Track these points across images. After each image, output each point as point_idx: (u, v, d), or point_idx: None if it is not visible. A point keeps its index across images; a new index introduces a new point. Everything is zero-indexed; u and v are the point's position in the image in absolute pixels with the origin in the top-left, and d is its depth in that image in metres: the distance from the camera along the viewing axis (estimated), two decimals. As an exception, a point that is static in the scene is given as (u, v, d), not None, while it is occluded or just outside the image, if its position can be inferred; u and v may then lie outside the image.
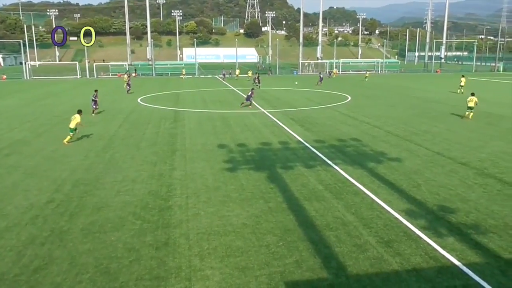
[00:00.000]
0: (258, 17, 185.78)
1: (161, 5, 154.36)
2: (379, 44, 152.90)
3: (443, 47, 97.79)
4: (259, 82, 46.52)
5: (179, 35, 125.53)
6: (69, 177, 14.12)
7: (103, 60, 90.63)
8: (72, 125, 19.24)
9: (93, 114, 27.24)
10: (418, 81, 57.88)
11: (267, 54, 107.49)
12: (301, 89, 45.28)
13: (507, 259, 8.68)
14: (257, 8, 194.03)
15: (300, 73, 75.70)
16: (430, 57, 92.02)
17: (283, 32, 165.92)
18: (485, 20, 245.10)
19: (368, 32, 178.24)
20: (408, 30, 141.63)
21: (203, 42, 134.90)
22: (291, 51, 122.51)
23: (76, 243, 9.41)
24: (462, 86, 41.17)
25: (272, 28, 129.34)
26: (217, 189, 12.93)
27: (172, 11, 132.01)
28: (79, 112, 19.90)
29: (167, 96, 38.50)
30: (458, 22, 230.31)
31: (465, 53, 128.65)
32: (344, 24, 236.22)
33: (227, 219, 10.64)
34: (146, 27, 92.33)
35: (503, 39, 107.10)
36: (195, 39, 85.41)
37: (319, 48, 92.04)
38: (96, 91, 28.96)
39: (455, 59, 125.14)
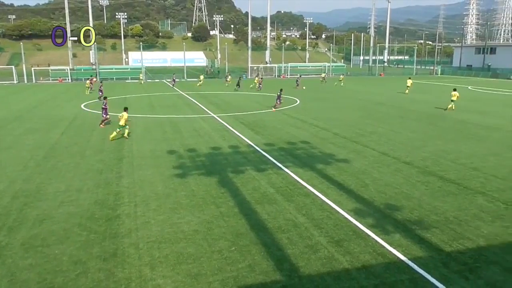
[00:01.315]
0: (206, 20, 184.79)
1: (104, 7, 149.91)
2: (326, 49, 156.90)
3: (386, 51, 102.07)
4: (260, 84, 49.22)
5: (124, 38, 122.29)
6: (7, 189, 13.30)
7: (48, 64, 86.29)
8: (122, 122, 20.58)
9: (101, 125, 24.46)
10: (364, 84, 59.92)
11: (216, 58, 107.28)
12: (251, 93, 45.52)
13: (448, 252, 9.12)
14: (204, 11, 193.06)
15: (249, 77, 76.10)
16: (374, 61, 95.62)
17: (231, 36, 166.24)
18: (424, 26, 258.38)
19: (315, 37, 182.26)
20: (353, 34, 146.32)
21: (150, 46, 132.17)
22: (240, 55, 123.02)
23: (16, 258, 8.86)
24: (408, 87, 44.69)
25: (220, 32, 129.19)
26: (167, 196, 12.67)
27: (117, 13, 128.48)
28: (126, 109, 21.17)
29: (113, 102, 37.29)
30: (399, 28, 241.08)
31: (406, 57, 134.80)
32: (291, 28, 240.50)
33: (178, 226, 10.44)
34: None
35: (440, 44, 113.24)
36: (141, 43, 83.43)
37: (267, 52, 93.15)
38: (105, 98, 25.91)
39: (394, 62, 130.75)
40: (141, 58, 74.17)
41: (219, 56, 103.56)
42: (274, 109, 31.61)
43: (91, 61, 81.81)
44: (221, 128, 24.26)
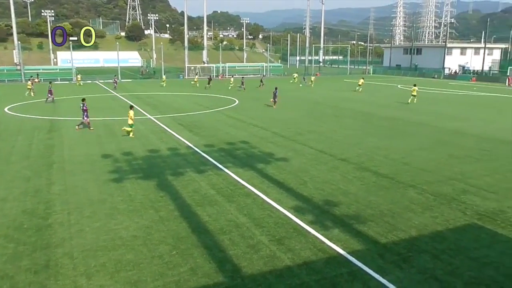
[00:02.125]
0: (140, 19, 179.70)
1: (28, 3, 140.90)
2: (263, 50, 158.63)
3: (321, 51, 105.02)
4: (243, 84, 49.40)
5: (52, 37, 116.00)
6: None
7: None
8: (130, 121, 21.44)
9: (77, 127, 23.49)
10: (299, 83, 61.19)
11: (151, 58, 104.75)
12: (189, 94, 44.97)
13: (383, 244, 9.53)
14: (138, 10, 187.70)
15: (186, 77, 75.17)
16: (310, 61, 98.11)
17: (167, 35, 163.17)
18: (356, 27, 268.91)
19: (252, 37, 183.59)
20: (289, 35, 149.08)
21: (80, 46, 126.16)
22: (176, 54, 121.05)
23: None
24: (360, 85, 48.53)
25: (155, 31, 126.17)
26: (102, 202, 12.14)
27: (42, 10, 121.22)
28: (131, 107, 22.16)
29: (41, 104, 35.25)
30: (333, 28, 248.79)
31: (341, 57, 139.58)
32: (228, 28, 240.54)
33: (115, 233, 10.04)
34: (11, 27, 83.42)
35: (371, 45, 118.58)
36: (70, 42, 79.40)
37: (204, 52, 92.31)
38: (84, 100, 24.04)
39: (328, 62, 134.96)
40: (71, 58, 70.62)
41: (154, 56, 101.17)
42: (275, 106, 33.25)
43: (15, 61, 76.56)
44: (158, 130, 23.71)
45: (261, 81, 53.80)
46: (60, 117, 28.56)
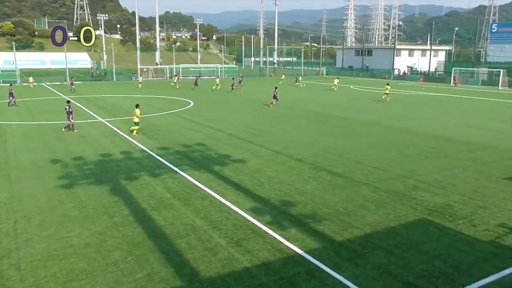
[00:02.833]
0: (89, 19, 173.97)
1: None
2: (217, 51, 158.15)
3: (275, 52, 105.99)
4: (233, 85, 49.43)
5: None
6: None
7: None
8: (135, 119, 22.08)
9: (63, 130, 23.11)
10: (256, 84, 61.51)
11: (102, 59, 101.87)
12: (142, 96, 44.04)
13: (339, 242, 9.71)
14: (87, 10, 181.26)
15: (138, 78, 73.57)
16: (264, 62, 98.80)
17: (118, 36, 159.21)
18: (309, 29, 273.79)
19: (206, 38, 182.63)
20: (243, 36, 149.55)
21: (25, 46, 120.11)
22: (128, 56, 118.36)
23: None
24: (335, 85, 52.47)
25: (105, 32, 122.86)
26: (52, 209, 11.62)
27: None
28: (137, 106, 22.53)
29: (-16, 108, 33.35)
30: (287, 30, 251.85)
31: (295, 59, 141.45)
32: (181, 29, 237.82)
33: (66, 241, 9.63)
34: None
35: (324, 46, 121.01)
36: (13, 42, 75.46)
37: (157, 53, 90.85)
38: (68, 102, 23.78)
39: (281, 63, 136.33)
40: (14, 59, 67.31)
41: (105, 57, 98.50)
42: (272, 107, 34.08)
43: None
44: (110, 133, 23.03)
45: (240, 82, 53.49)
46: (4, 121, 27.12)
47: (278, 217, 11.16)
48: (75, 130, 23.08)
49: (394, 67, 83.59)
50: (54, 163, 16.51)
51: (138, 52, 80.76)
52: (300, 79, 60.08)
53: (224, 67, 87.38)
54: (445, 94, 48.90)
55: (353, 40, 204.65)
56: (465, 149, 19.37)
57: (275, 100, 34.50)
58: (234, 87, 49.14)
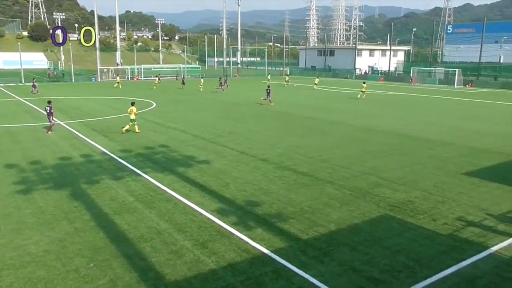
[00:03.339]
0: (44, 18, 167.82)
1: None
2: (180, 51, 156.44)
3: (239, 53, 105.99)
4: (221, 85, 50.22)
5: None
6: None
7: None
8: (132, 116, 22.52)
9: (49, 132, 22.71)
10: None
11: (59, 60, 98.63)
12: (102, 97, 42.96)
13: (305, 240, 9.78)
14: (42, 8, 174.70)
15: (99, 79, 71.83)
16: (228, 62, 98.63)
17: (76, 35, 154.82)
18: (272, 29, 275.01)
19: (168, 38, 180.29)
20: (206, 36, 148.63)
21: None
22: (87, 56, 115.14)
23: None
24: (316, 84, 54.31)
25: (62, 31, 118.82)
26: (7, 216, 11.10)
27: None
28: (133, 104, 23.04)
29: None
30: (250, 30, 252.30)
31: (258, 59, 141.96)
32: (143, 29, 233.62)
33: (23, 249, 9.22)
34: None
35: (287, 46, 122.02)
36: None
37: (118, 53, 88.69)
38: (50, 102, 23.49)
39: (243, 63, 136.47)
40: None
41: (62, 57, 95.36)
42: (265, 103, 35.77)
43: None
44: (70, 136, 22.30)
45: (225, 81, 53.77)
46: (-46, 125, 25.78)
47: (243, 217, 11.11)
48: (49, 133, 22.71)
49: (356, 67, 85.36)
50: (9, 168, 15.79)
51: (98, 52, 78.59)
52: (287, 79, 61.61)
53: (187, 67, 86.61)
54: (404, 93, 50.37)
55: (316, 40, 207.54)
56: (425, 146, 19.99)
57: (268, 97, 35.86)
58: (221, 87, 49.90)
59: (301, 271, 8.35)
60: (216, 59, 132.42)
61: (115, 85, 54.30)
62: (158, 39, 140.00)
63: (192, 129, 24.26)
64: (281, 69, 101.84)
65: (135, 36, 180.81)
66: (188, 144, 20.16)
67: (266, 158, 17.47)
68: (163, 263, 8.67)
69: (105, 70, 75.18)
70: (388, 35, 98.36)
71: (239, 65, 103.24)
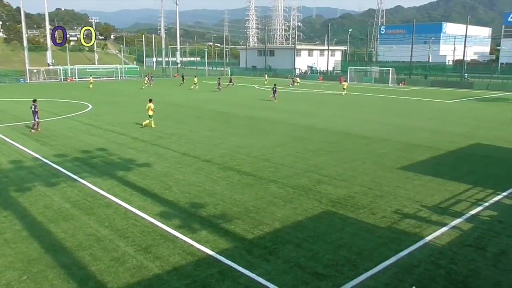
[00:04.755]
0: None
1: None
2: (116, 51, 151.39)
3: (178, 53, 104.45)
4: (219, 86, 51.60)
5: None
6: None
7: None
8: (150, 112, 24.23)
9: (32, 131, 23.06)
10: (159, 86, 60.01)
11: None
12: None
13: (250, 239, 9.79)
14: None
15: (28, 81, 67.82)
16: (167, 63, 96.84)
17: (0, 34, 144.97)
18: (211, 29, 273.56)
19: (103, 37, 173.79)
20: (144, 36, 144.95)
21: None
22: (14, 56, 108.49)
23: None
24: (298, 83, 59.24)
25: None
26: None
27: None
28: (151, 100, 24.74)
29: None
30: (189, 30, 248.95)
31: (198, 59, 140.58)
32: (75, 28, 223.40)
33: None
34: None
35: (227, 46, 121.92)
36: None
37: (48, 53, 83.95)
38: (35, 101, 23.75)
39: (183, 63, 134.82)
40: None
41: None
42: (276, 100, 38.92)
43: None
44: (-2, 141, 20.84)
45: (230, 80, 57.33)
46: None
47: (188, 220, 10.93)
48: (35, 130, 23.08)
49: (296, 66, 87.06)
50: None
51: (26, 52, 74.13)
52: (297, 79, 62.75)
53: (125, 68, 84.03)
54: (342, 92, 51.99)
55: (256, 40, 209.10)
56: (362, 142, 20.75)
57: (273, 95, 39.57)
58: (228, 85, 53.47)
59: (247, 271, 8.35)
60: (154, 59, 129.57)
61: (90, 86, 54.03)
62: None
63: (131, 131, 23.54)
64: (222, 69, 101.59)
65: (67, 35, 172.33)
66: (128, 147, 19.53)
67: (209, 159, 17.32)
68: (104, 271, 8.32)
69: (34, 70, 71.08)
70: (326, 36, 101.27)
71: (179, 65, 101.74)
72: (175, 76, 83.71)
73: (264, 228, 10.39)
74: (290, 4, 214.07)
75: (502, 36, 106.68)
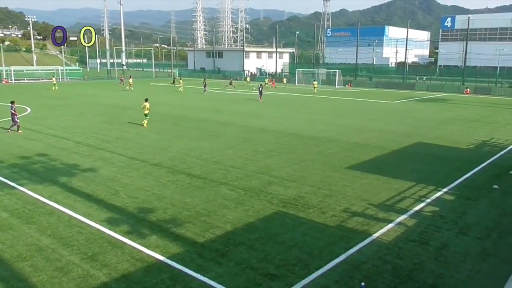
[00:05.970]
0: None
1: None
2: (57, 52, 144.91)
3: (123, 54, 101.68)
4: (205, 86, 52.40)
5: None
6: None
7: None
8: (146, 111, 25.06)
9: (9, 130, 23.13)
10: (103, 88, 58.10)
11: None
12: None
13: (201, 243, 9.66)
14: None
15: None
16: (112, 64, 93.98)
17: None
18: (158, 30, 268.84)
19: (42, 37, 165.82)
20: (86, 36, 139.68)
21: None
22: None
23: None
24: (284, 83, 63.47)
25: None
26: None
27: None
28: (146, 100, 25.55)
29: None
30: (134, 31, 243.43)
31: (145, 60, 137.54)
32: (10, 26, 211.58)
33: None
34: None
35: (175, 48, 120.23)
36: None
37: (-20, 53, 78.87)
38: (13, 102, 23.63)
39: (128, 65, 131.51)
40: None
41: None
42: (261, 100, 41.33)
43: None
44: None
45: (230, 83, 58.38)
46: None
47: (136, 225, 10.61)
48: (13, 130, 23.04)
49: (244, 68, 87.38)
50: None
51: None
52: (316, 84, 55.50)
53: (66, 69, 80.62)
54: (291, 94, 52.84)
55: (204, 42, 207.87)
56: (311, 143, 21.13)
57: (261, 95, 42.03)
58: (228, 86, 54.65)
59: (199, 275, 8.23)
60: (98, 61, 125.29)
61: (53, 88, 52.47)
62: (30, 38, 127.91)
63: (74, 135, 22.58)
64: (170, 71, 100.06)
65: (1, 34, 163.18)
66: (71, 152, 18.70)
67: (158, 162, 16.94)
68: (47, 282, 7.90)
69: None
70: (274, 38, 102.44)
71: (124, 67, 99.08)
72: (121, 80, 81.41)
73: (216, 231, 10.28)
74: (238, 6, 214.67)
75: (439, 40, 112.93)
